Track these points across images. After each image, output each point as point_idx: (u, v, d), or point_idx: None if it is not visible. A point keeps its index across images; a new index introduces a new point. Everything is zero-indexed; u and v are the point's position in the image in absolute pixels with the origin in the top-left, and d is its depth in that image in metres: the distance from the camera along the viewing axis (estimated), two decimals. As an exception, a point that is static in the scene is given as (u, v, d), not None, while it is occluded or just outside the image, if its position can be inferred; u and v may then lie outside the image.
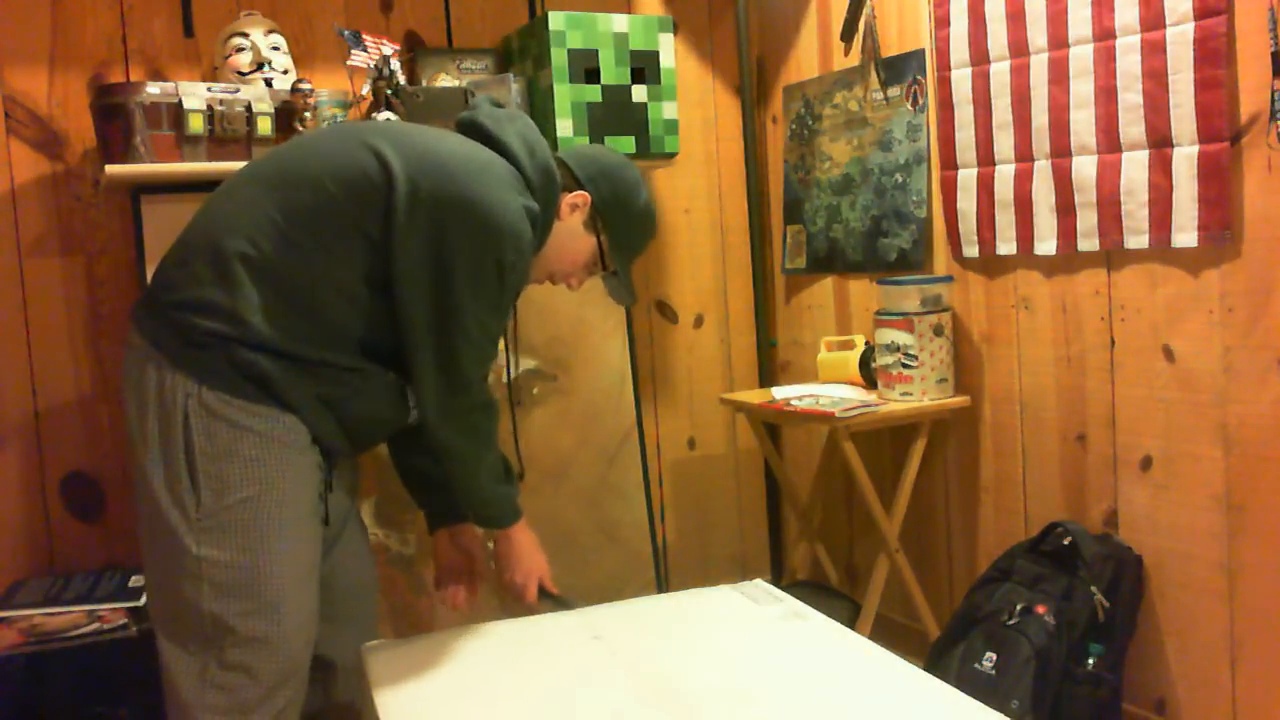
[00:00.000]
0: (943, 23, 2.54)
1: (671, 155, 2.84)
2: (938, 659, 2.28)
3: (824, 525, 3.16)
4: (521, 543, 1.86)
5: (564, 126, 2.65)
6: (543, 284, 1.86)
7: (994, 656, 2.15)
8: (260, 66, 2.49)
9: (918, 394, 2.53)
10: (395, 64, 2.51)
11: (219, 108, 2.35)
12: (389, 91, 2.50)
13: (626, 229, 1.80)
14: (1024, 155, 2.37)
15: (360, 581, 1.89)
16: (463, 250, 1.56)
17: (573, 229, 1.76)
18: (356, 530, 1.92)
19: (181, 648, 1.55)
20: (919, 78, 2.67)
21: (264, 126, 2.40)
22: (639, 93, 2.75)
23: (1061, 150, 2.28)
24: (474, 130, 1.71)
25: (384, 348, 1.63)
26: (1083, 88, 2.21)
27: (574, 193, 1.75)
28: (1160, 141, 2.07)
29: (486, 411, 1.71)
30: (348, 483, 1.86)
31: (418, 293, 1.57)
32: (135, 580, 2.37)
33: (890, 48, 2.76)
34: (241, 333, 1.53)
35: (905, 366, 2.53)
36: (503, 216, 1.57)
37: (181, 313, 1.55)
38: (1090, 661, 2.12)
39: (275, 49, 2.54)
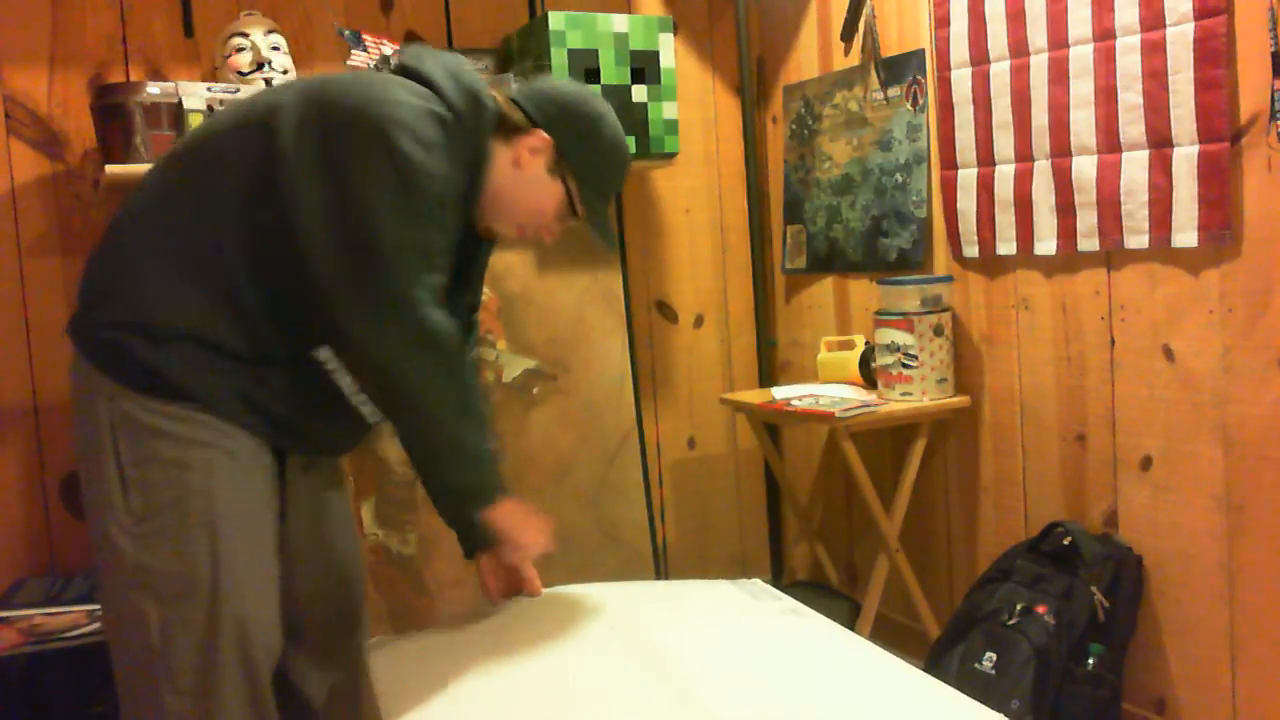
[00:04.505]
0: (943, 23, 2.54)
1: (671, 155, 2.84)
2: (938, 659, 2.28)
3: (824, 525, 3.16)
4: (517, 513, 1.61)
5: (564, 126, 2.65)
6: (514, 239, 1.71)
7: (994, 656, 2.15)
8: (260, 66, 2.49)
9: (918, 394, 2.53)
10: (395, 64, 2.51)
11: (219, 108, 2.35)
12: (389, 91, 2.50)
13: (595, 170, 1.64)
14: (1024, 155, 2.37)
15: (337, 611, 1.73)
16: (354, 153, 1.43)
17: (536, 176, 1.61)
18: (325, 553, 1.72)
19: (134, 662, 1.47)
20: (919, 78, 2.67)
21: (264, 126, 2.40)
22: (639, 93, 2.75)
23: (1061, 150, 2.28)
24: (398, 71, 1.59)
25: (313, 311, 1.49)
26: (1083, 88, 2.21)
27: (532, 134, 1.60)
28: (1160, 141, 2.07)
29: (443, 338, 1.48)
30: (314, 495, 1.69)
31: (320, 215, 1.43)
32: (135, 580, 2.37)
33: (890, 48, 2.76)
34: (142, 322, 1.45)
35: (905, 366, 2.53)
36: (393, 110, 1.44)
37: (89, 312, 1.50)
38: (1090, 661, 2.11)
39: (275, 49, 2.54)
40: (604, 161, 1.65)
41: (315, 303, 1.48)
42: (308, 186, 1.44)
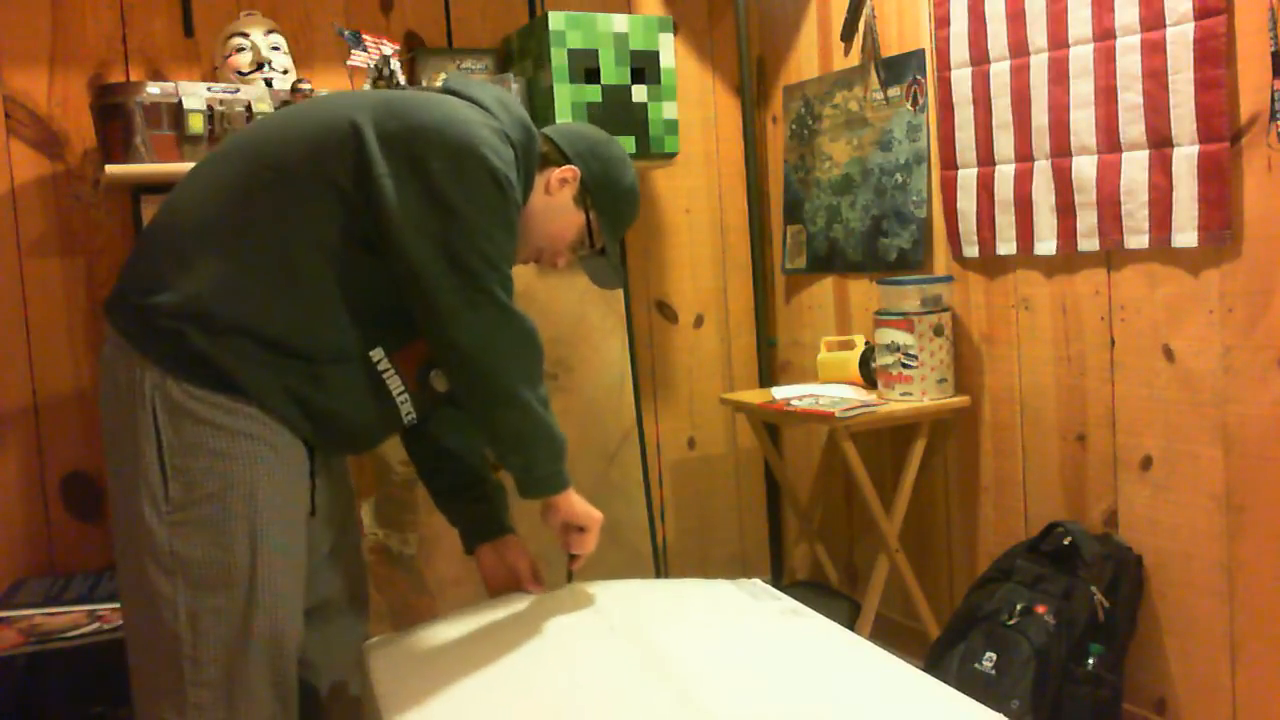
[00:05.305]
0: (943, 23, 2.55)
1: (671, 155, 2.84)
2: (938, 659, 2.28)
3: (824, 525, 3.16)
4: (579, 500, 1.73)
5: (564, 126, 2.65)
6: (528, 263, 1.79)
7: (994, 656, 2.15)
8: (260, 66, 2.49)
9: (918, 394, 2.53)
10: (395, 64, 2.51)
11: (219, 108, 2.35)
12: (389, 91, 2.50)
13: (615, 206, 1.77)
14: (1024, 155, 2.37)
15: (348, 604, 1.79)
16: (448, 169, 1.50)
17: (563, 204, 1.73)
18: (340, 547, 1.77)
19: (155, 651, 1.48)
20: (919, 78, 2.67)
21: (264, 126, 2.40)
22: (639, 93, 2.75)
23: (1061, 150, 2.28)
24: (447, 94, 1.67)
25: (375, 313, 1.56)
26: (1083, 88, 2.21)
27: (562, 167, 1.72)
28: (1160, 141, 2.07)
29: (530, 333, 1.60)
30: (332, 490, 1.73)
31: (416, 227, 1.49)
32: (135, 580, 2.36)
33: (890, 48, 2.76)
34: (202, 313, 1.46)
35: (905, 366, 2.53)
36: (475, 130, 1.53)
37: (144, 298, 1.49)
38: (1090, 661, 2.11)
39: (275, 49, 2.54)
40: (623, 200, 1.78)
41: (387, 304, 1.55)
42: (400, 198, 1.49)
